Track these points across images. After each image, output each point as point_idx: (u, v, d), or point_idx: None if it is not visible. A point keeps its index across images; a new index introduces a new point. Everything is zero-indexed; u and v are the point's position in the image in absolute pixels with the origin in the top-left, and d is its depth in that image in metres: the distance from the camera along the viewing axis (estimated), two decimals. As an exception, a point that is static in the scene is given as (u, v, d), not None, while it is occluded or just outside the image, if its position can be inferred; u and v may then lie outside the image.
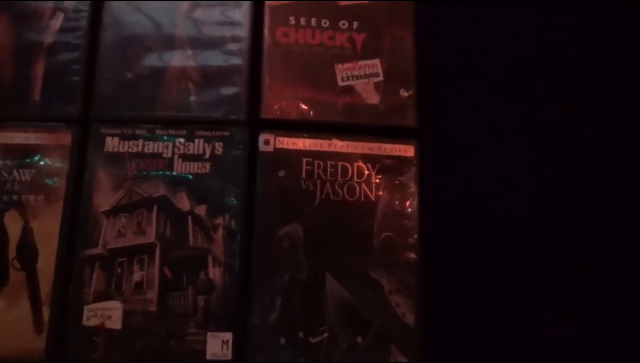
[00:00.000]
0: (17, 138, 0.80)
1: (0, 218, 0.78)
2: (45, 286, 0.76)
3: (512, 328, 0.77)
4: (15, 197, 0.79)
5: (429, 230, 0.78)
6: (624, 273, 0.79)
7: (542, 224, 0.80)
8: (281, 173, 0.79)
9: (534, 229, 0.80)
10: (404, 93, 0.82)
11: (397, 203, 0.79)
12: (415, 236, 0.78)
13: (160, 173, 0.79)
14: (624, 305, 0.78)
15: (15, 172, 0.79)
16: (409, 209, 0.79)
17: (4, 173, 0.79)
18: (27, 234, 0.78)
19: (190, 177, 0.79)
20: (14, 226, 0.78)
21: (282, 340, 0.74)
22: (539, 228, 0.80)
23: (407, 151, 0.81)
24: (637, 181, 0.82)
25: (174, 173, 0.79)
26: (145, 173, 0.79)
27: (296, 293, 0.75)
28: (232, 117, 0.80)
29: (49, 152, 0.80)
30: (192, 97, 0.81)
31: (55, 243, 0.77)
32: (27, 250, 0.77)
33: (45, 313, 0.75)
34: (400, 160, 0.80)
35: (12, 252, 0.77)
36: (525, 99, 0.85)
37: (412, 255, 0.77)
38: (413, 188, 0.80)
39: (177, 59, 0.83)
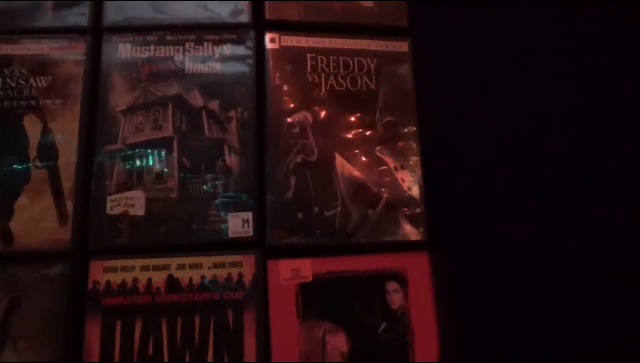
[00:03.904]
0: (32, 49, 0.84)
1: (19, 121, 0.81)
2: (67, 182, 0.79)
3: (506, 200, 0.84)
4: (33, 102, 0.82)
5: (427, 115, 0.85)
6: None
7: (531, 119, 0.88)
8: (288, 67, 0.84)
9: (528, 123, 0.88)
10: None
11: (395, 92, 0.86)
12: (414, 120, 0.84)
13: (173, 74, 0.84)
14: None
15: (32, 79, 0.83)
16: (407, 98, 0.86)
17: (20, 81, 0.83)
18: (46, 134, 0.81)
19: (202, 76, 0.84)
20: (33, 128, 0.81)
21: (299, 215, 0.78)
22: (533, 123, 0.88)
23: (402, 47, 0.88)
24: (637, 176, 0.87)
25: (186, 73, 0.84)
26: (158, 74, 0.84)
27: (309, 172, 0.80)
28: (239, 19, 0.86)
29: (64, 60, 0.84)
30: (200, 3, 0.86)
31: (74, 141, 0.80)
32: (48, 149, 0.80)
33: (69, 206, 0.78)
34: (396, 55, 0.87)
35: (32, 152, 0.80)
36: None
37: (413, 137, 0.84)
38: (409, 79, 0.87)
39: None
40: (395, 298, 0.77)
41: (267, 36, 0.85)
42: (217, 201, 0.79)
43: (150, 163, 0.80)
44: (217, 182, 0.80)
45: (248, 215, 0.78)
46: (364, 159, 0.82)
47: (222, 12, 0.87)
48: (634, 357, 0.78)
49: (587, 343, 0.78)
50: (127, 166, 0.80)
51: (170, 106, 0.83)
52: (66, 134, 0.80)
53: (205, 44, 0.86)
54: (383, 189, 0.81)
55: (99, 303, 0.74)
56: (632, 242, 0.83)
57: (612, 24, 0.93)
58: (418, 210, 0.81)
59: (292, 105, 0.83)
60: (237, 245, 0.77)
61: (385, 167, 0.82)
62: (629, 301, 0.80)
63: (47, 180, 0.79)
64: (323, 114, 0.83)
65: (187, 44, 0.85)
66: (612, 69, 0.91)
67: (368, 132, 0.83)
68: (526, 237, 0.82)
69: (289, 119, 0.82)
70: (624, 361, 0.79)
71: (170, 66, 0.84)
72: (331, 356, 0.74)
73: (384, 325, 0.76)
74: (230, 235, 0.78)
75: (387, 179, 0.81)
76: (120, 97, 0.82)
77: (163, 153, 0.81)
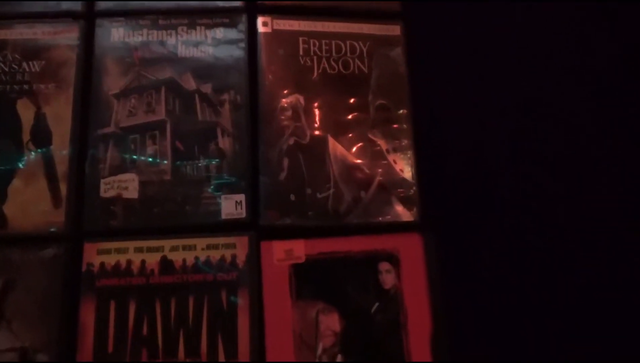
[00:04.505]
0: (25, 33, 0.84)
1: (12, 105, 0.81)
2: (61, 165, 0.79)
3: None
4: (26, 86, 0.82)
5: (419, 98, 0.85)
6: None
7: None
8: (280, 51, 0.85)
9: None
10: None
11: (388, 75, 0.86)
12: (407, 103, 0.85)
13: (166, 58, 0.84)
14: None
15: (25, 64, 0.83)
16: (399, 81, 0.86)
17: (13, 65, 0.83)
18: (40, 118, 0.81)
19: (195, 60, 0.84)
20: (26, 112, 0.81)
21: (292, 197, 0.79)
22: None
23: (394, 30, 0.88)
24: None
25: (178, 57, 0.84)
26: (151, 59, 0.84)
27: (302, 154, 0.81)
28: (231, 3, 0.86)
29: (57, 45, 0.84)
30: (192, -13, 0.87)
31: (68, 125, 0.81)
32: (41, 132, 0.80)
33: (63, 189, 0.78)
34: (389, 38, 0.88)
35: (26, 136, 0.80)
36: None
37: (405, 119, 0.84)
38: (402, 62, 0.87)
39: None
40: (388, 279, 0.77)
41: (260, 20, 0.85)
42: (210, 183, 0.79)
43: (144, 146, 0.80)
44: (210, 164, 0.80)
45: (241, 197, 0.79)
46: (356, 141, 0.82)
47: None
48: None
49: (581, 322, 0.79)
50: (121, 149, 0.80)
51: (163, 89, 0.83)
52: (60, 118, 0.81)
53: (197, 28, 0.86)
54: (376, 171, 0.81)
55: (93, 285, 0.74)
56: (627, 220, 0.84)
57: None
58: (410, 192, 0.81)
59: (285, 88, 0.83)
60: (230, 227, 0.78)
61: (378, 149, 0.82)
62: (620, 279, 0.81)
63: (41, 164, 0.79)
64: (316, 97, 0.83)
65: (179, 28, 0.86)
66: (604, 50, 0.91)
67: (361, 115, 0.83)
68: (518, 218, 0.82)
69: (282, 102, 0.82)
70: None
71: (163, 50, 0.85)
72: (324, 336, 0.74)
73: (376, 305, 0.76)
74: (224, 216, 0.78)
75: (380, 161, 0.82)
76: (113, 81, 0.83)
77: (156, 136, 0.81)
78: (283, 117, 0.82)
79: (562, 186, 0.84)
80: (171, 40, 0.85)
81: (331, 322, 0.75)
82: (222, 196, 0.79)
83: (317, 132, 0.82)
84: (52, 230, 0.76)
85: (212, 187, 0.79)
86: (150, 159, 0.80)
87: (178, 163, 0.80)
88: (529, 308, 0.79)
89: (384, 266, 0.78)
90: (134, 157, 0.80)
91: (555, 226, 0.82)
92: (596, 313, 0.79)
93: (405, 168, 0.82)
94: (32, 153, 0.79)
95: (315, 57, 0.85)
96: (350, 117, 0.83)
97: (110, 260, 0.75)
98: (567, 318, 0.79)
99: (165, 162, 0.80)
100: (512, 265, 0.80)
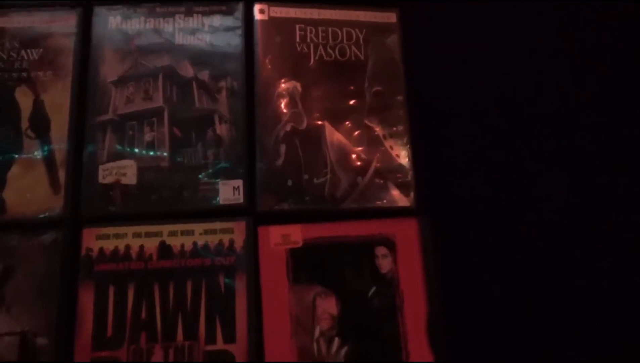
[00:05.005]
0: (23, 22, 0.85)
1: (11, 93, 0.82)
2: (59, 152, 0.80)
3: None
4: (24, 74, 0.83)
5: (415, 84, 0.86)
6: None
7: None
8: (277, 38, 0.85)
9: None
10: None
11: (384, 62, 0.86)
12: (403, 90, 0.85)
13: (163, 45, 0.85)
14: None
15: (23, 52, 0.83)
16: (395, 68, 0.86)
17: (12, 53, 0.83)
18: (38, 106, 0.82)
19: (192, 47, 0.85)
20: (25, 99, 0.82)
21: (289, 182, 0.79)
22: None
23: (390, 17, 0.89)
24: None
25: (176, 45, 0.85)
26: (148, 46, 0.84)
27: (299, 140, 0.81)
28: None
29: (55, 33, 0.84)
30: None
31: (66, 112, 0.81)
32: (40, 120, 0.81)
33: (62, 175, 0.79)
34: (385, 26, 0.88)
35: (24, 123, 0.81)
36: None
37: (401, 106, 0.85)
38: (397, 49, 0.87)
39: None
40: (384, 263, 0.78)
41: (256, 7, 0.86)
42: (208, 169, 0.80)
43: (142, 133, 0.81)
44: (208, 151, 0.81)
45: (238, 183, 0.79)
46: (353, 127, 0.83)
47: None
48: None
49: (575, 302, 0.80)
50: (119, 136, 0.81)
51: (160, 77, 0.83)
52: (58, 106, 0.81)
53: (195, 15, 0.86)
54: (372, 157, 0.82)
55: (92, 270, 0.75)
56: (623, 208, 0.85)
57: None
58: (407, 177, 0.82)
59: (282, 75, 0.84)
60: (228, 212, 0.78)
61: (375, 135, 0.83)
62: (614, 263, 0.82)
63: (40, 151, 0.80)
64: (312, 84, 0.84)
65: (177, 16, 0.86)
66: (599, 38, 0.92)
67: (357, 102, 0.84)
68: (513, 202, 0.83)
69: (279, 89, 0.83)
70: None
71: (160, 38, 0.85)
72: (321, 319, 0.75)
73: (373, 288, 0.77)
74: (222, 202, 0.79)
75: (377, 147, 0.83)
76: (110, 69, 0.83)
77: (154, 123, 0.81)
78: (280, 103, 0.82)
79: (557, 171, 0.84)
80: (168, 28, 0.86)
81: (328, 305, 0.76)
82: (220, 182, 0.79)
83: (313, 119, 0.82)
84: (51, 215, 0.77)
85: (209, 173, 0.80)
86: (147, 146, 0.80)
87: (176, 149, 0.80)
88: (524, 291, 0.80)
89: (381, 250, 0.78)
90: (132, 143, 0.80)
91: (551, 211, 0.83)
92: (590, 290, 0.80)
93: (401, 154, 0.83)
94: (31, 140, 0.80)
95: (312, 45, 0.86)
96: (346, 103, 0.84)
97: (109, 245, 0.76)
98: (561, 299, 0.80)
99: (163, 148, 0.80)
100: (506, 249, 0.81)
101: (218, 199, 0.79)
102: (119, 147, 0.80)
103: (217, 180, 0.79)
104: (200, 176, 0.79)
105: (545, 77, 0.88)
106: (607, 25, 0.92)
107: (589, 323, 0.79)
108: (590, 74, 0.89)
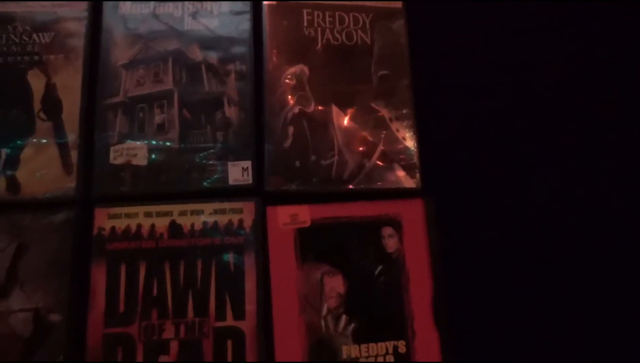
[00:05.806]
0: (34, 6, 0.86)
1: (23, 76, 0.83)
2: (71, 134, 0.81)
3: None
4: (36, 57, 0.84)
5: (420, 68, 0.87)
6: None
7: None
8: (284, 22, 0.86)
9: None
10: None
11: (390, 46, 0.88)
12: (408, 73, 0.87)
13: (172, 30, 0.86)
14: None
15: (34, 35, 0.85)
16: (401, 52, 0.88)
17: (24, 37, 0.84)
18: (50, 88, 0.83)
19: (201, 31, 0.86)
20: (37, 82, 0.83)
21: (297, 163, 0.81)
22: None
23: (396, 3, 0.90)
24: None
25: (185, 29, 0.86)
26: (158, 30, 0.86)
27: (306, 122, 0.83)
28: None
29: (66, 17, 0.86)
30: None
31: (77, 94, 0.83)
32: (52, 102, 0.82)
33: (74, 156, 0.80)
34: (391, 11, 0.89)
35: (37, 106, 0.82)
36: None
37: (407, 89, 0.86)
38: (403, 34, 0.89)
39: None
40: (390, 243, 0.79)
41: (264, -8, 0.87)
42: (217, 150, 0.81)
43: (152, 115, 0.82)
44: (217, 133, 0.82)
45: (247, 164, 0.81)
46: (360, 110, 0.84)
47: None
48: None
49: (579, 286, 0.81)
50: (129, 118, 0.82)
51: (170, 60, 0.85)
52: (69, 88, 0.83)
53: (203, 0, 0.88)
54: (379, 140, 0.83)
55: (104, 248, 0.76)
56: (623, 198, 0.86)
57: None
58: (412, 159, 0.83)
59: (289, 59, 0.85)
60: (237, 192, 0.80)
61: (381, 117, 0.84)
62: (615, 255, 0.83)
63: (52, 132, 0.81)
64: (319, 67, 0.85)
65: (185, 1, 0.87)
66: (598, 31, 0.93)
67: (364, 85, 0.85)
68: (517, 183, 0.84)
69: (286, 72, 0.84)
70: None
71: (170, 22, 0.86)
72: (329, 297, 0.77)
73: (380, 267, 0.78)
74: (231, 182, 0.80)
75: (383, 130, 0.84)
76: (121, 52, 0.84)
77: (164, 106, 0.83)
78: (287, 86, 0.84)
79: (564, 152, 0.86)
80: (177, 13, 0.87)
81: (336, 284, 0.77)
82: (229, 163, 0.81)
83: (321, 102, 0.84)
84: (64, 195, 0.78)
85: (219, 154, 0.81)
86: (158, 128, 0.82)
87: (185, 131, 0.82)
88: (528, 270, 0.81)
89: (387, 231, 0.80)
90: (142, 125, 0.82)
91: (555, 193, 0.84)
92: (593, 277, 0.82)
93: (407, 136, 0.84)
94: (43, 122, 0.81)
95: (319, 29, 0.87)
96: (353, 87, 0.85)
97: (120, 224, 0.77)
98: (565, 276, 0.81)
99: (174, 130, 0.82)
100: (511, 228, 0.82)
101: (227, 179, 0.80)
102: (129, 129, 0.81)
103: (227, 161, 0.81)
104: (209, 157, 0.81)
105: (552, 60, 0.89)
106: (612, 10, 0.93)
107: (598, 297, 0.80)
108: (597, 58, 0.91)
